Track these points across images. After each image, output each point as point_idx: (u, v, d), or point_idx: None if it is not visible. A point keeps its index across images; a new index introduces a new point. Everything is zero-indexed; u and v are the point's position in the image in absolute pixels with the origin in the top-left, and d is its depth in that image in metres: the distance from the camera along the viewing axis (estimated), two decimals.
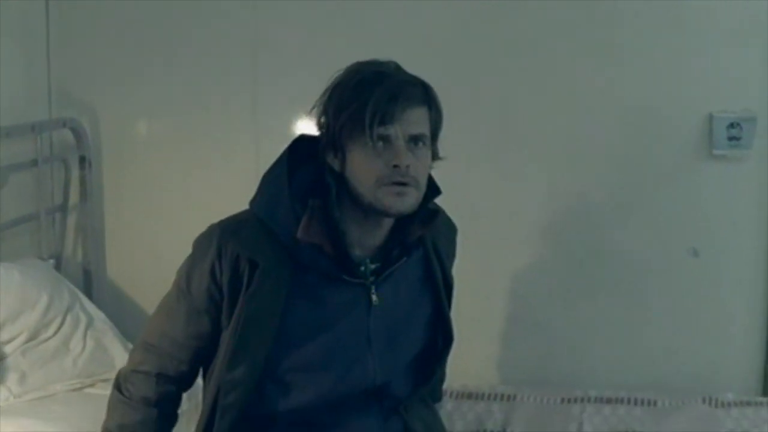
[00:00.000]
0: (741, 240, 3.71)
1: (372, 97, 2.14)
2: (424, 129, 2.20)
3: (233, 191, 3.85)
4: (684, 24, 3.64)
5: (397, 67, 2.25)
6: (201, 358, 2.35)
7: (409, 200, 2.20)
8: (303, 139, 2.38)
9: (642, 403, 3.37)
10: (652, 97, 3.68)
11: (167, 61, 4.03)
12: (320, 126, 2.25)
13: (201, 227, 3.84)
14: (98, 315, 3.59)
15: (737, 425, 3.20)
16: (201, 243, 2.35)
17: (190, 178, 4.04)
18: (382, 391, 2.39)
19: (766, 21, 3.54)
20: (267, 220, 2.25)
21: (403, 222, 2.26)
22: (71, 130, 3.94)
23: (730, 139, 3.57)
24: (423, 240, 2.37)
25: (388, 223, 2.26)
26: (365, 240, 2.27)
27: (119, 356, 3.42)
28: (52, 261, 3.85)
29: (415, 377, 2.48)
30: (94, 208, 4.07)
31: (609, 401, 3.37)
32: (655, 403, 3.37)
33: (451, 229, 2.56)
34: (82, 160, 3.97)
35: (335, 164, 2.22)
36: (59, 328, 3.40)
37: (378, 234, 2.27)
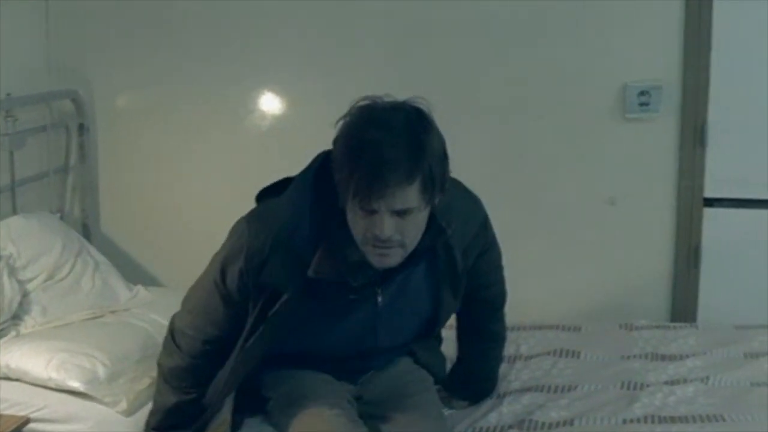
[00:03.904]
0: (651, 190, 3.96)
1: (355, 174, 2.09)
2: (410, 204, 2.13)
3: (215, 155, 4.14)
4: (603, 6, 3.87)
5: (397, 128, 2.14)
6: (239, 325, 2.44)
7: (393, 259, 2.23)
8: (326, 154, 2.29)
9: (568, 329, 3.58)
10: (576, 69, 3.92)
11: (157, 34, 4.19)
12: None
13: (185, 187, 4.11)
14: (102, 259, 3.83)
15: (647, 344, 3.43)
16: (233, 249, 2.38)
17: (175, 143, 4.25)
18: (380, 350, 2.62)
19: (677, 3, 3.79)
20: (290, 249, 2.27)
21: None
22: (72, 100, 4.17)
23: (641, 104, 3.83)
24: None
25: None
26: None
27: (123, 293, 3.71)
28: (58, 214, 4.10)
29: (417, 336, 2.69)
30: (91, 170, 4.28)
31: (540, 328, 3.57)
32: (579, 329, 3.59)
33: (471, 223, 2.53)
34: (81, 127, 4.18)
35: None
36: (72, 269, 3.64)
37: None
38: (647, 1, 3.85)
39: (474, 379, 2.94)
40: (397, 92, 2.31)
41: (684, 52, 3.83)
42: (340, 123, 2.20)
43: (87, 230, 4.28)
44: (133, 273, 4.14)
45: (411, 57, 3.97)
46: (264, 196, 2.46)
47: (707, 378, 3.10)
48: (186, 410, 2.60)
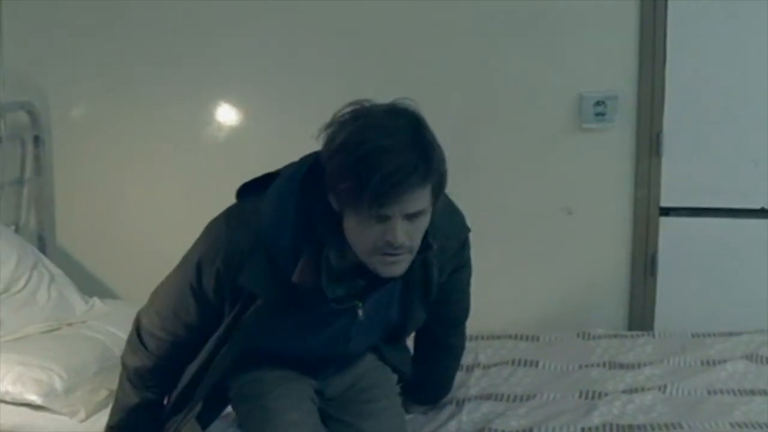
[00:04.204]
0: (607, 199, 3.98)
1: (371, 182, 2.02)
2: (423, 206, 2.11)
3: (171, 167, 4.13)
4: (560, 17, 3.87)
5: (402, 132, 2.10)
6: (212, 327, 2.39)
7: (401, 267, 2.18)
8: (315, 157, 2.21)
9: (526, 338, 3.60)
10: (532, 79, 3.92)
11: (112, 45, 4.13)
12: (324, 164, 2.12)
13: (141, 199, 4.10)
14: (58, 271, 3.78)
15: (605, 353, 3.45)
16: (210, 249, 2.30)
17: (132, 154, 4.21)
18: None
19: (633, 13, 3.81)
20: (270, 254, 2.21)
21: None
22: (27, 112, 4.11)
23: (597, 114, 3.84)
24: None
25: None
26: (356, 261, 2.23)
27: (79, 306, 3.67)
28: (13, 227, 4.07)
29: (389, 340, 2.69)
30: (47, 182, 4.23)
31: (499, 337, 3.59)
32: (537, 338, 3.61)
33: (453, 240, 2.49)
34: (36, 139, 4.14)
35: (335, 204, 2.14)
36: (27, 282, 3.59)
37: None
38: (602, 12, 3.87)
39: (429, 385, 2.95)
40: (366, 94, 2.27)
41: (639, 62, 3.85)
42: (329, 132, 2.13)
43: (43, 243, 4.25)
44: (89, 285, 4.11)
45: (366, 69, 3.96)
46: (245, 192, 2.37)
47: (665, 386, 3.12)
48: (147, 410, 2.55)
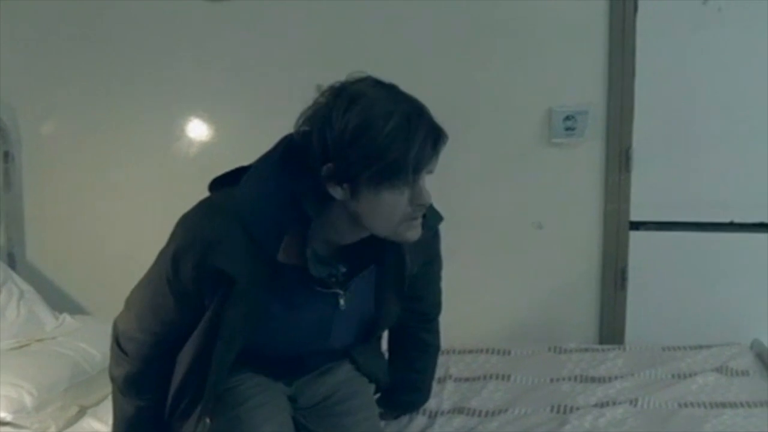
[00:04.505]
0: (578, 214, 4.00)
1: (414, 146, 2.03)
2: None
3: (142, 182, 4.12)
4: (529, 32, 3.91)
5: (403, 96, 2.12)
6: (191, 323, 2.31)
7: (421, 228, 2.18)
8: (290, 139, 2.18)
9: (498, 352, 3.61)
10: (502, 94, 3.95)
11: (81, 60, 4.15)
12: (324, 159, 2.06)
13: (111, 215, 4.09)
14: (27, 288, 3.78)
15: (576, 367, 3.46)
16: (185, 240, 2.21)
17: (101, 170, 4.21)
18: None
19: (602, 28, 3.85)
20: (250, 233, 2.13)
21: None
22: None
23: (567, 129, 3.88)
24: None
25: (366, 233, 2.20)
26: (341, 245, 2.24)
27: (49, 322, 3.65)
28: None
29: (357, 338, 2.58)
30: (16, 198, 4.23)
31: (471, 351, 3.59)
32: (509, 352, 3.61)
33: (426, 229, 2.33)
34: (6, 155, 4.13)
35: (338, 194, 2.09)
36: None
37: (351, 239, 2.23)
38: (572, 27, 3.91)
39: (405, 388, 2.90)
40: None
41: (609, 77, 3.89)
42: (329, 125, 2.05)
43: (12, 259, 4.24)
44: (60, 301, 4.11)
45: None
46: (217, 186, 2.30)
47: (636, 399, 3.13)
48: (146, 418, 2.48)
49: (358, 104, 2.04)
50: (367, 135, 2.02)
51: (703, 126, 3.92)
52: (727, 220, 3.96)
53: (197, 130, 4.13)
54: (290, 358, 2.55)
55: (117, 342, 2.43)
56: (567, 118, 3.90)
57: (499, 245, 4.07)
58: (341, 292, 2.33)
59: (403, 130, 2.02)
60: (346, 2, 3.97)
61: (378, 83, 2.13)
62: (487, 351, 3.63)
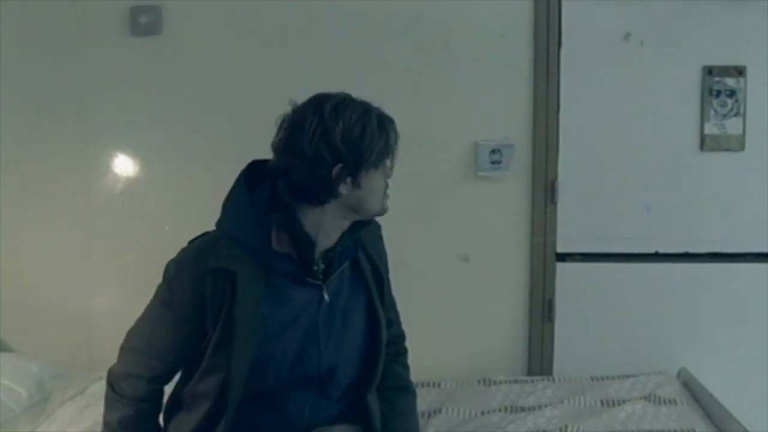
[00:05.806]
0: (504, 246, 4.02)
1: (390, 138, 2.41)
2: None
3: (64, 218, 4.04)
4: (455, 67, 3.94)
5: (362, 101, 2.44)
6: (186, 358, 2.42)
7: None
8: (254, 163, 2.41)
9: (428, 385, 3.64)
10: (428, 127, 3.92)
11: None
12: (334, 161, 2.29)
13: (33, 251, 3.99)
14: None
15: (506, 398, 3.50)
16: (180, 263, 2.36)
17: (22, 205, 4.10)
18: (328, 378, 2.49)
19: (526, 63, 3.92)
20: (239, 237, 2.32)
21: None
22: None
23: (492, 162, 3.90)
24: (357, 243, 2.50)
25: (346, 227, 2.42)
26: (324, 243, 2.39)
27: None
28: None
29: (360, 364, 2.58)
30: None
31: None
32: (439, 385, 3.66)
33: (376, 227, 2.64)
34: None
35: (345, 189, 2.32)
36: None
37: (334, 237, 2.40)
38: (496, 62, 3.95)
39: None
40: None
41: (534, 111, 3.93)
42: (332, 134, 2.30)
43: None
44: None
45: (255, 121, 3.84)
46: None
47: (566, 427, 3.16)
48: None
49: (348, 108, 2.36)
50: (365, 131, 2.35)
51: (626, 158, 3.98)
52: (651, 250, 4.01)
53: (119, 166, 4.06)
54: (297, 395, 2.50)
55: (111, 387, 2.45)
56: (493, 151, 3.92)
57: (426, 279, 4.04)
58: (323, 285, 2.44)
59: (380, 123, 2.39)
60: (266, 40, 4.00)
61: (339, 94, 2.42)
62: (418, 384, 3.45)
